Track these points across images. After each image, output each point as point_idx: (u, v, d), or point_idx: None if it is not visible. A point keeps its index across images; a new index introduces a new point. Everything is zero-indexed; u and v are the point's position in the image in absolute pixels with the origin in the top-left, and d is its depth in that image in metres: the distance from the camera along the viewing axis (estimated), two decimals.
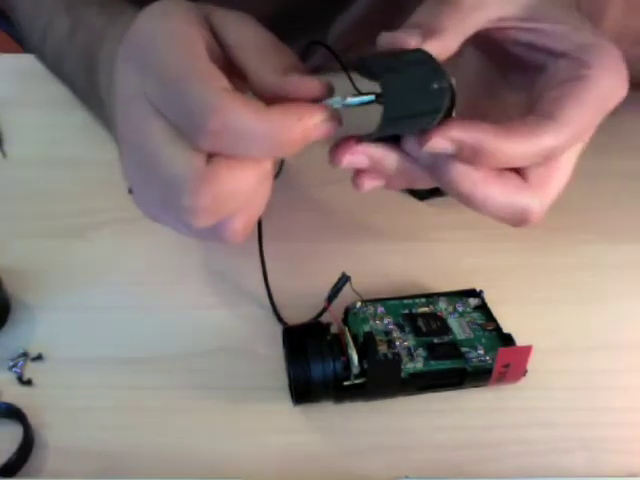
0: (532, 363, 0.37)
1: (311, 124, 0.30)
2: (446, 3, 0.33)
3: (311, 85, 0.31)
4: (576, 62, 0.33)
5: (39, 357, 0.40)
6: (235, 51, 0.32)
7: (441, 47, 0.32)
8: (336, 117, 0.31)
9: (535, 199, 0.34)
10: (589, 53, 0.33)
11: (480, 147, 0.31)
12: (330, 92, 0.32)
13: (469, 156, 0.32)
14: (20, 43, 0.63)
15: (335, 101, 0.32)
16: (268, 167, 0.32)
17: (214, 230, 0.32)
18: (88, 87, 0.45)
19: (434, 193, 0.50)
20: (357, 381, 0.37)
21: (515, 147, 0.32)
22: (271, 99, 0.31)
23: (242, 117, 0.29)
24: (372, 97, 0.32)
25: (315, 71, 0.59)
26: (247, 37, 0.33)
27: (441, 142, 0.31)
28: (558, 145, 0.32)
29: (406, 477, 0.35)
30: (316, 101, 0.31)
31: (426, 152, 0.32)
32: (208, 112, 0.29)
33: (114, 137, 0.37)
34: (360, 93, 0.32)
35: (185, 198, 0.30)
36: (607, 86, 0.33)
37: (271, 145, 0.30)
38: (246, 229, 0.33)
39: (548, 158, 0.33)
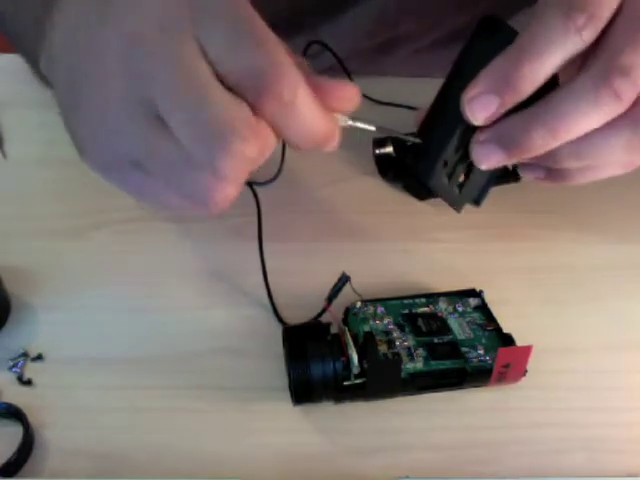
0: (532, 363, 0.37)
1: (337, 132, 0.32)
2: None
3: (350, 89, 0.32)
4: None
5: (39, 357, 0.40)
6: None
7: None
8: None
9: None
10: None
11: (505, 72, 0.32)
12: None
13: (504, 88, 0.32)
14: None
15: (342, 119, 0.33)
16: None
17: (205, 188, 0.31)
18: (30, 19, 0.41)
19: (434, 193, 0.50)
20: (357, 381, 0.37)
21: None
22: None
23: (309, 97, 0.29)
24: (373, 128, 0.35)
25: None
26: None
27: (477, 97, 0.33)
28: None
29: (406, 477, 0.35)
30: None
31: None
32: (286, 77, 0.28)
33: (62, 74, 0.34)
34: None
35: (235, 141, 0.29)
36: None
37: (308, 134, 0.30)
38: (232, 199, 0.32)
39: None
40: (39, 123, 0.55)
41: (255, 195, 0.48)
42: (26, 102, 0.56)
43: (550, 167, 0.36)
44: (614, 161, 0.35)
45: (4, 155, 0.52)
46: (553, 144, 0.33)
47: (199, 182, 0.31)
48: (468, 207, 0.48)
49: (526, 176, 0.38)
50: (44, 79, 0.38)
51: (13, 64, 0.60)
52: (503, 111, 0.33)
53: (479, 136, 0.35)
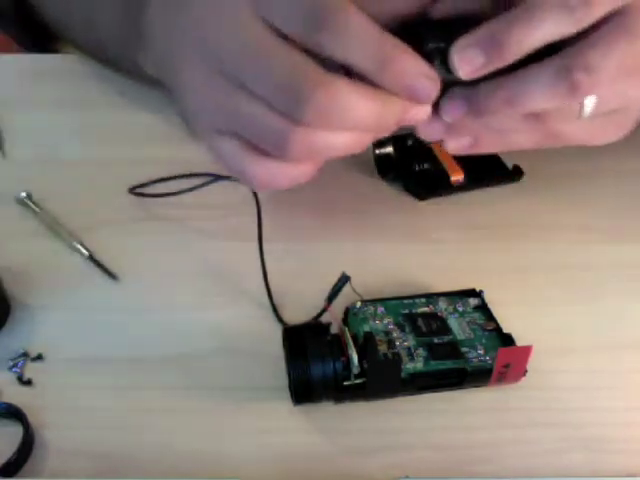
0: (532, 363, 0.37)
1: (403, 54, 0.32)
2: None
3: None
4: None
5: (39, 357, 0.40)
6: None
7: None
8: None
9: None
10: None
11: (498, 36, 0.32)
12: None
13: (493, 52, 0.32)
14: (20, 44, 0.63)
15: None
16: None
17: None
18: (125, 28, 0.47)
19: (434, 193, 0.50)
20: (357, 381, 0.37)
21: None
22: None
23: (363, 21, 0.31)
24: None
25: None
26: None
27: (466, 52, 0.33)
28: None
29: (406, 477, 0.35)
30: None
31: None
32: (312, 87, 0.31)
33: (162, 68, 0.40)
34: None
35: (308, 90, 0.31)
36: None
37: (373, 55, 0.31)
38: (313, 149, 0.34)
39: None
40: (39, 123, 0.55)
41: (255, 195, 0.48)
42: (26, 102, 0.56)
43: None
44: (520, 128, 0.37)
45: (4, 155, 0.52)
46: (506, 111, 0.34)
47: (279, 130, 0.33)
48: (468, 207, 0.49)
49: (450, 147, 0.38)
50: (152, 80, 0.44)
51: (13, 64, 0.60)
52: (486, 71, 0.33)
53: (453, 91, 0.35)
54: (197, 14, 0.35)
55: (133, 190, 0.49)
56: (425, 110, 0.34)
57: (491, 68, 0.33)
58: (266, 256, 0.43)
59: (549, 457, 0.37)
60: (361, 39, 0.31)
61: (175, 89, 0.38)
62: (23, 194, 0.48)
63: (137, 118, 0.54)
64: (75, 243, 0.46)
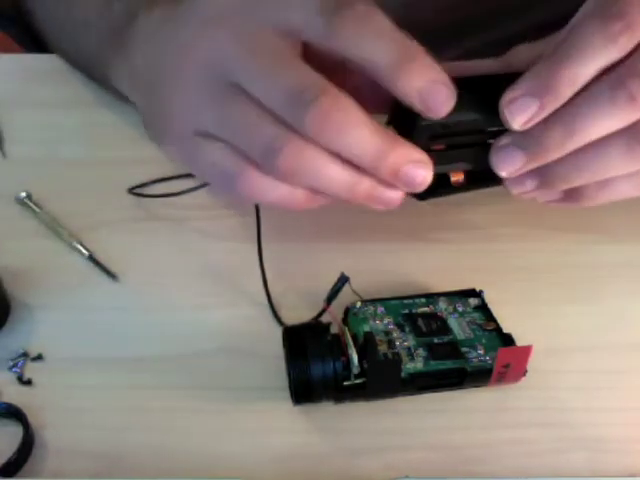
0: (532, 363, 0.37)
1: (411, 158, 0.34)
2: None
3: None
4: None
5: (39, 357, 0.40)
6: None
7: None
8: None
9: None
10: None
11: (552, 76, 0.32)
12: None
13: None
14: (20, 44, 0.63)
15: None
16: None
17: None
18: (103, 38, 0.47)
19: (434, 193, 0.50)
20: (357, 381, 0.37)
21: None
22: None
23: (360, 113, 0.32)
24: None
25: None
26: None
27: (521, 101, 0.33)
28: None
29: (406, 477, 0.35)
30: None
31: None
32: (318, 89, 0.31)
33: (141, 77, 0.39)
34: None
35: (316, 98, 0.30)
36: None
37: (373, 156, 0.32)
38: (299, 164, 0.33)
39: None
40: (39, 123, 0.55)
41: None
42: (26, 102, 0.56)
43: (564, 189, 0.37)
44: (619, 173, 0.35)
45: (4, 155, 0.52)
46: (570, 145, 0.33)
47: (274, 137, 0.32)
48: (468, 207, 0.49)
49: (543, 200, 0.38)
50: (117, 93, 0.44)
51: (13, 64, 0.60)
52: (541, 116, 0.33)
53: (499, 141, 0.35)
54: (209, 14, 0.35)
55: (133, 190, 0.49)
56: None
57: (544, 114, 0.33)
58: (265, 256, 0.43)
59: (549, 457, 0.37)
60: (351, 134, 0.31)
61: (153, 94, 0.37)
62: (23, 194, 0.48)
63: (137, 118, 0.54)
64: (75, 243, 0.46)
